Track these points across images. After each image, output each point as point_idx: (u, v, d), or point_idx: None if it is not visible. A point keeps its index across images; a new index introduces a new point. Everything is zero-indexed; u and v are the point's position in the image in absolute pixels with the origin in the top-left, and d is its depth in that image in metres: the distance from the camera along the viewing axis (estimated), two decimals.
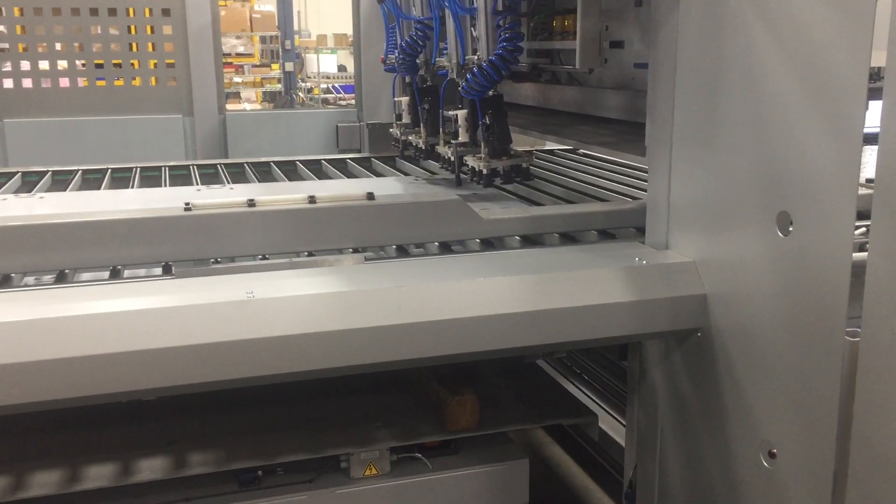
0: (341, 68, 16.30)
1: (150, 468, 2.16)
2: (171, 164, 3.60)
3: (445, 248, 2.35)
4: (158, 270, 2.13)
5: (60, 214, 2.14)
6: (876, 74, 1.44)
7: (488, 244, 2.37)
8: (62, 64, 4.22)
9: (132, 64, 4.33)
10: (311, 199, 2.28)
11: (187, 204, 2.17)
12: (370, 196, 2.34)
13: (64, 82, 4.23)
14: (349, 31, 4.39)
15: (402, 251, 2.34)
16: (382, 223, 2.31)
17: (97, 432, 2.31)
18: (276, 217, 2.22)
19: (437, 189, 2.90)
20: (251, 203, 2.23)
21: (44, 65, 4.19)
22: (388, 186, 2.98)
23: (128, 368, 1.63)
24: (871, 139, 1.44)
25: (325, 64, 16.39)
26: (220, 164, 3.64)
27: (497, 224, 2.39)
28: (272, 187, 3.14)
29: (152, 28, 4.30)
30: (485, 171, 2.52)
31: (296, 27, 14.81)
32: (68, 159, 3.71)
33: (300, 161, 3.63)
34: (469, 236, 2.38)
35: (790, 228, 1.61)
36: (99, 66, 4.27)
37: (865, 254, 1.43)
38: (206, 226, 2.16)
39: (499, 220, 2.39)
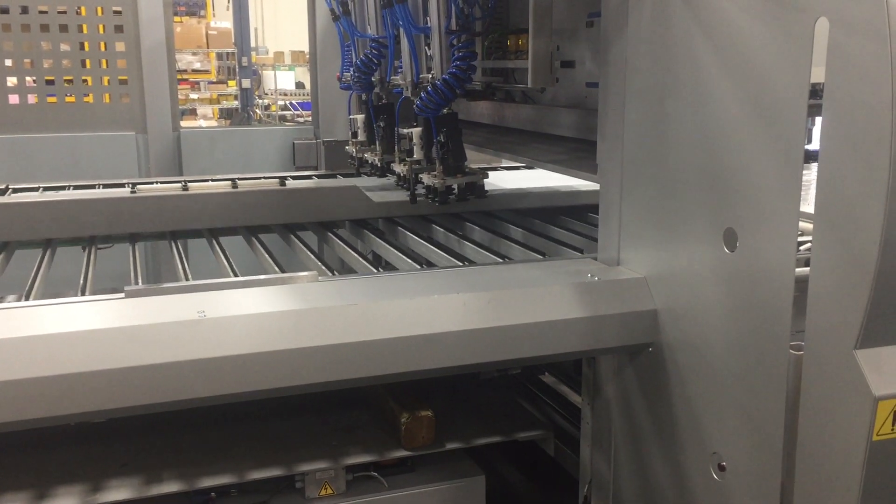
0: (299, 85, 16.21)
1: (101, 491, 2.12)
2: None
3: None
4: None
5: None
6: (821, 91, 1.48)
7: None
8: (12, 80, 4.16)
9: (84, 80, 4.28)
10: (234, 185, 3.18)
11: (133, 187, 3.18)
12: (282, 182, 3.28)
13: (13, 99, 4.17)
14: (306, 48, 4.39)
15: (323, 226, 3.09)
16: (293, 204, 3.16)
17: (44, 455, 2.26)
18: (204, 199, 3.05)
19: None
20: (185, 187, 3.14)
21: None
22: None
23: (77, 390, 1.61)
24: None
25: (283, 81, 16.29)
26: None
27: (385, 206, 3.21)
28: None
29: (105, 45, 4.26)
30: (439, 189, 2.54)
31: (253, 44, 14.69)
32: (19, 177, 3.64)
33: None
34: (363, 216, 3.27)
35: (736, 245, 1.64)
36: (50, 82, 4.22)
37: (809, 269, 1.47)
38: (149, 206, 3.04)
39: (387, 202, 3.17)
